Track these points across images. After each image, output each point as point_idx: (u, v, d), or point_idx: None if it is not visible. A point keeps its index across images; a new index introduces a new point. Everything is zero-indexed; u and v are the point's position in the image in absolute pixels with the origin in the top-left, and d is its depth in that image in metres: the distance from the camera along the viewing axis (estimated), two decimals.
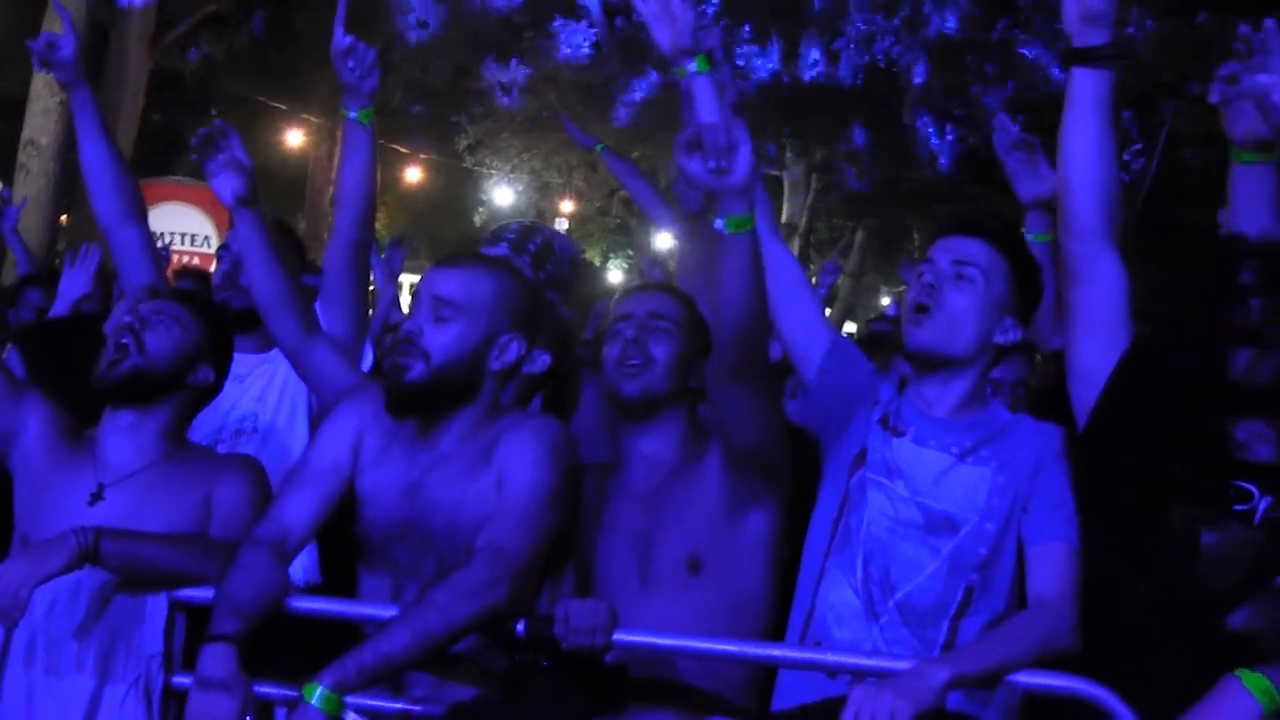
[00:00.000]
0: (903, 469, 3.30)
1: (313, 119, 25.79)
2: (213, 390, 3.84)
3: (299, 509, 3.48)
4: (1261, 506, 2.89)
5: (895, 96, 21.83)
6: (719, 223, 3.18)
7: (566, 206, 30.20)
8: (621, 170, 7.19)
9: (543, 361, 3.75)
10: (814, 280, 11.71)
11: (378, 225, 21.78)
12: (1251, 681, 2.65)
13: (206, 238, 20.28)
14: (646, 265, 8.80)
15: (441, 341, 3.41)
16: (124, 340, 3.65)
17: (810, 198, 26.03)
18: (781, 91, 21.57)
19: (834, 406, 3.48)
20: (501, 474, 3.40)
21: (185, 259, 20.86)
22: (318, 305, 4.52)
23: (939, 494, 3.25)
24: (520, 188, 29.44)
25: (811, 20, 21.79)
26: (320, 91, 24.78)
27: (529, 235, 4.49)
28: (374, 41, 4.48)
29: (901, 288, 28.55)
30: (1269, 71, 3.36)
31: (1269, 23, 3.35)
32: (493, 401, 3.54)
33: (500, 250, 4.46)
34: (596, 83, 22.54)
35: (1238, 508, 2.90)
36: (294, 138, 26.41)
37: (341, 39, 4.34)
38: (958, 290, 3.30)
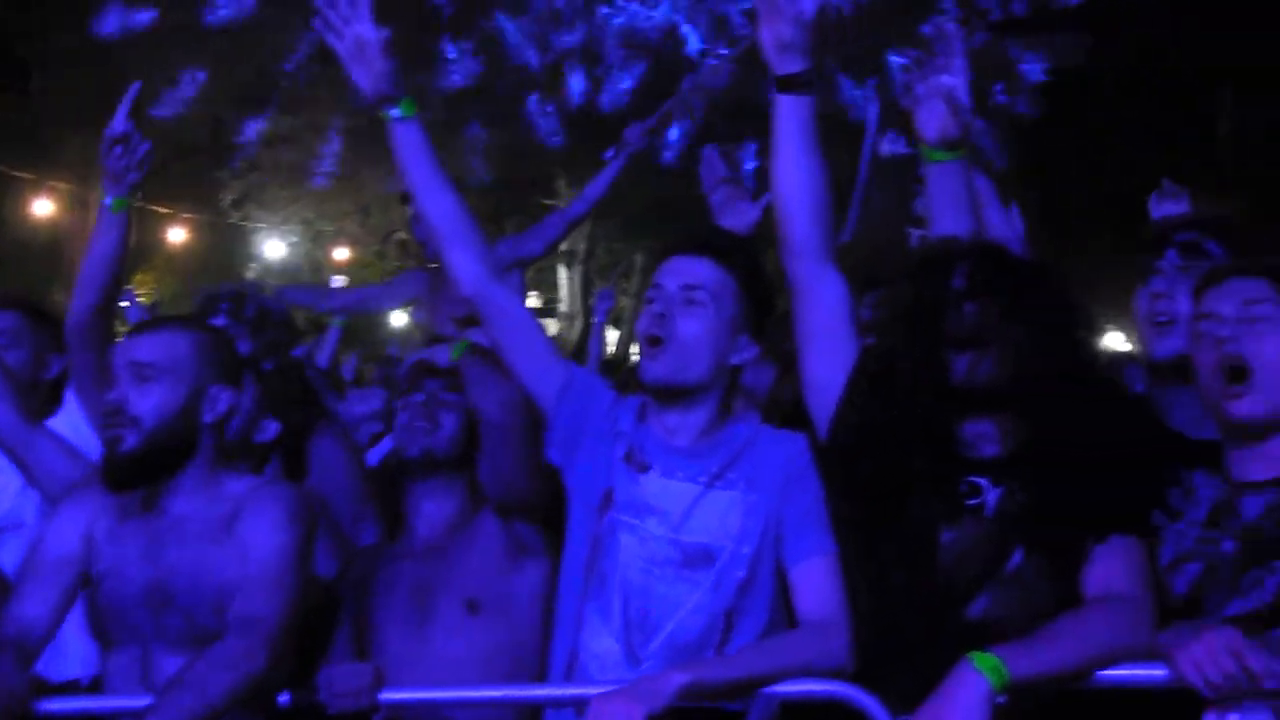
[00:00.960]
0: (653, 506, 3.28)
1: (60, 185, 25.19)
2: None
3: (37, 606, 3.41)
4: (991, 499, 3.02)
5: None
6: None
7: (341, 254, 29.85)
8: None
9: (272, 429, 3.81)
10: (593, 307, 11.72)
11: (148, 289, 21.34)
12: (982, 661, 2.79)
13: None
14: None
15: (149, 404, 3.39)
16: None
17: (589, 224, 25.86)
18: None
19: (575, 443, 3.47)
20: (244, 544, 3.39)
21: None
22: (71, 389, 4.55)
23: (692, 527, 3.23)
24: (293, 239, 29.06)
25: (573, 50, 21.97)
26: (66, 156, 24.22)
27: (244, 302, 4.57)
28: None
29: None
30: (951, 73, 3.56)
31: (948, 25, 3.59)
32: (215, 456, 3.53)
33: (219, 321, 4.50)
34: (364, 128, 22.40)
35: (970, 503, 3.03)
36: (42, 206, 25.87)
37: (120, 123, 4.27)
38: (689, 316, 3.30)
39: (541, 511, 3.84)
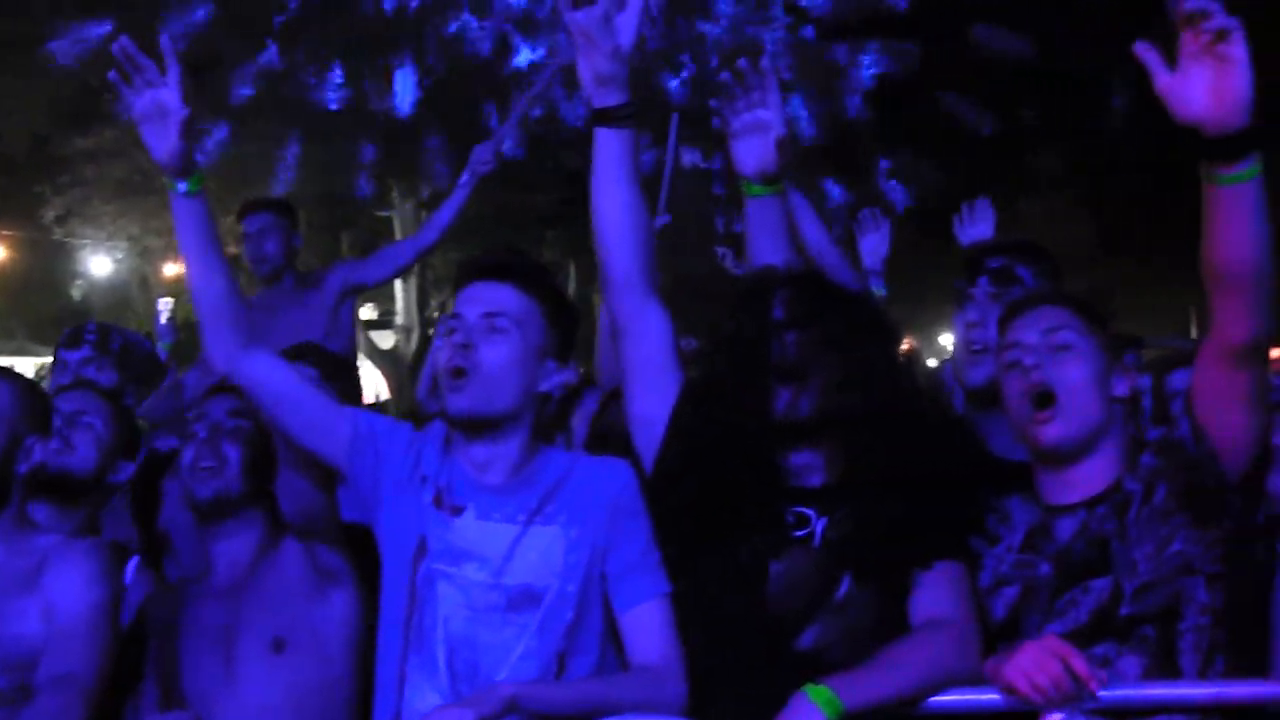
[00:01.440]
0: (470, 550, 3.18)
1: None
2: None
3: None
4: (819, 529, 3.03)
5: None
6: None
7: (171, 270, 29.41)
8: None
9: (127, 470, 3.77)
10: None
11: None
12: (815, 694, 2.79)
13: None
14: None
15: None
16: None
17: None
18: (380, 126, 21.62)
19: (375, 496, 3.35)
20: (50, 600, 3.35)
21: None
22: None
23: (514, 568, 3.15)
24: (119, 255, 28.49)
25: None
26: None
27: (109, 336, 4.56)
28: None
29: None
30: (768, 107, 3.57)
31: (764, 61, 3.55)
32: (18, 513, 3.51)
33: (84, 353, 4.53)
34: None
35: (798, 534, 3.03)
36: None
37: None
38: (492, 345, 3.21)
39: (342, 532, 3.80)
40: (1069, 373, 3.08)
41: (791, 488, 3.09)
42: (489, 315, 3.22)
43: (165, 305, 9.94)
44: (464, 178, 7.40)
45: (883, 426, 3.04)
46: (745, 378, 3.10)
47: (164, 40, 3.55)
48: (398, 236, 25.79)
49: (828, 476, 3.09)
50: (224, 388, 3.75)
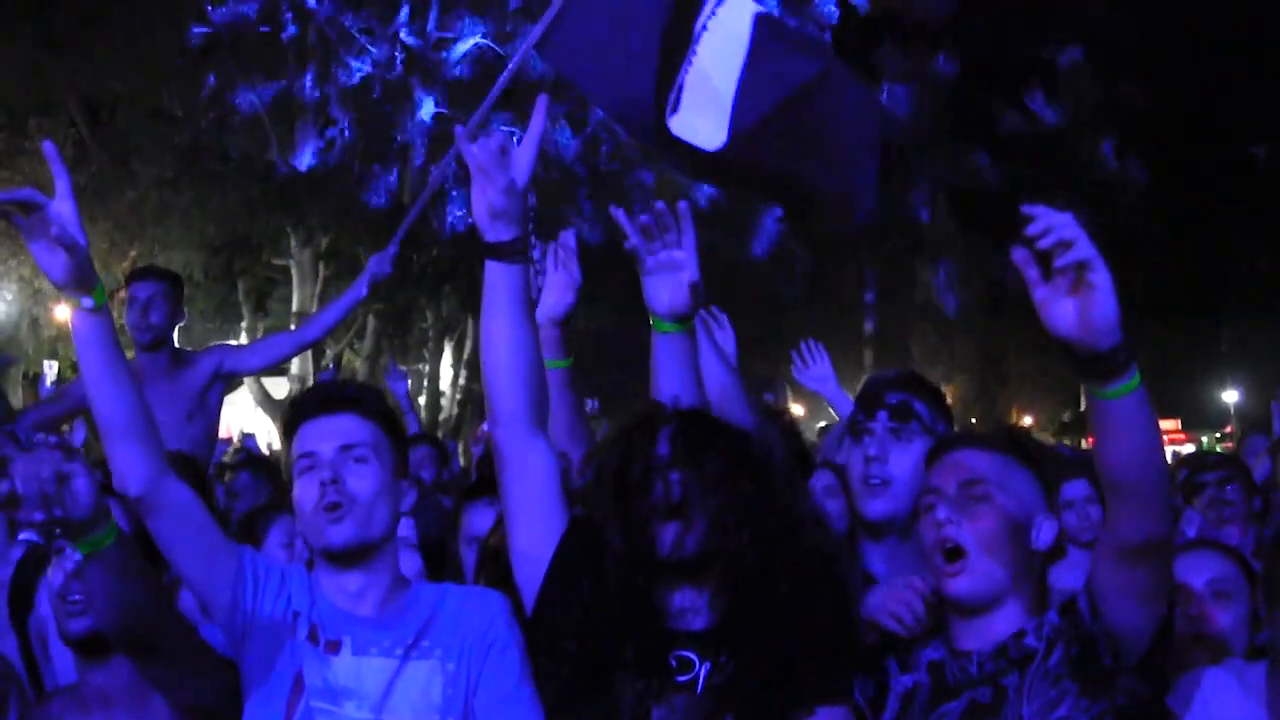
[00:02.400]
0: (350, 688, 3.10)
1: None
2: None
3: None
4: (702, 674, 2.95)
5: (400, 180, 22.15)
6: None
7: (63, 313, 28.98)
8: None
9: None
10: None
11: None
12: None
13: None
14: None
15: None
16: None
17: (319, 285, 26.05)
18: (280, 181, 21.62)
19: (247, 633, 3.19)
20: None
21: None
22: None
23: (393, 704, 3.08)
24: (9, 296, 27.86)
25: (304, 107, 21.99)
26: None
27: None
28: None
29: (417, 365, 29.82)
30: (683, 248, 3.50)
31: (681, 204, 3.50)
32: None
33: None
34: (82, 183, 22.00)
35: (680, 679, 2.95)
36: None
37: None
38: (359, 475, 3.16)
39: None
40: (981, 529, 3.03)
41: (674, 630, 3.02)
42: (346, 448, 3.19)
43: (50, 368, 9.86)
44: (360, 285, 7.33)
45: (765, 568, 2.98)
46: (628, 515, 3.02)
47: (48, 147, 3.24)
48: (294, 285, 26.04)
49: (710, 619, 3.02)
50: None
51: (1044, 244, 2.55)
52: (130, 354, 7.84)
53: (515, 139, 3.24)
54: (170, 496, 3.19)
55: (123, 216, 23.35)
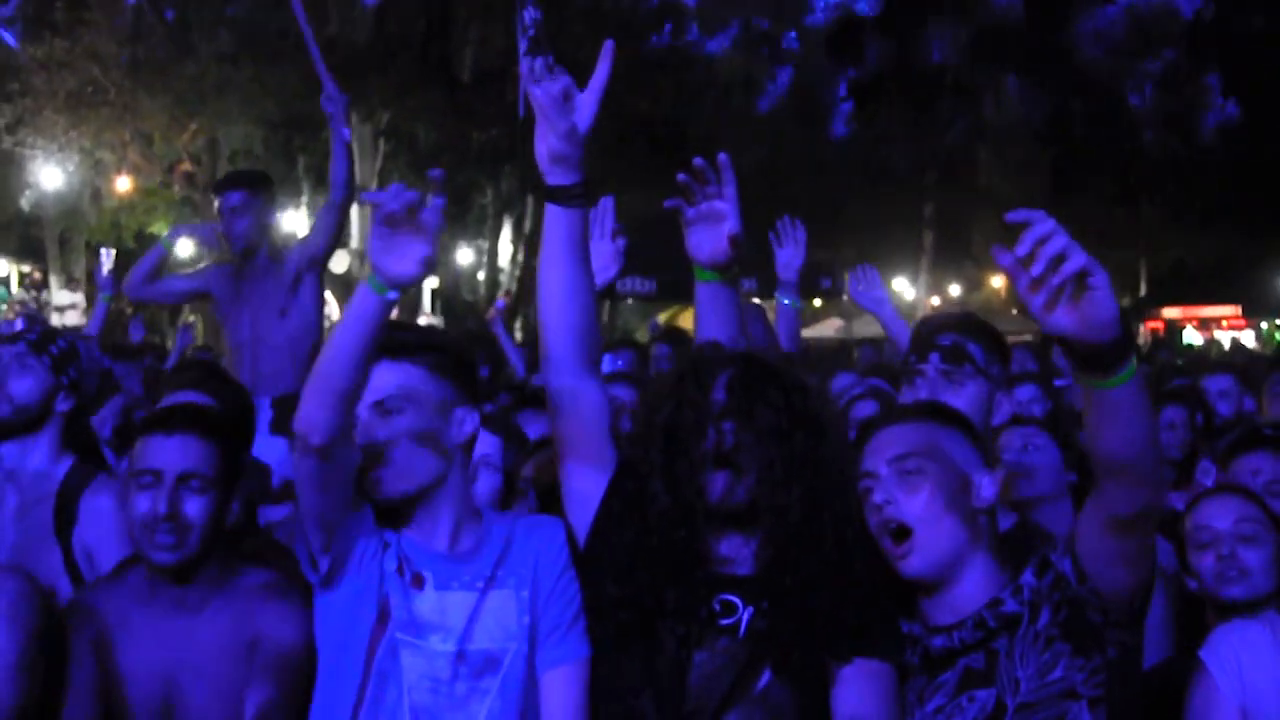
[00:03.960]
0: (434, 622, 3.13)
1: None
2: None
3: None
4: (745, 618, 2.98)
5: (456, 57, 22.17)
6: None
7: (123, 184, 29.44)
8: None
9: None
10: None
11: None
12: None
13: None
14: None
15: None
16: None
17: (379, 161, 26.33)
18: (337, 55, 21.70)
19: (348, 559, 3.22)
20: None
21: None
22: None
23: (475, 634, 3.12)
24: (70, 167, 28.34)
25: None
26: None
27: (51, 339, 4.37)
28: None
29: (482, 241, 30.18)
30: (724, 200, 3.49)
31: (721, 156, 3.53)
32: None
33: (19, 349, 4.38)
34: (142, 58, 22.14)
35: (724, 622, 2.98)
36: None
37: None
38: (390, 428, 3.16)
39: None
40: (920, 503, 3.02)
41: (719, 575, 3.05)
42: (378, 405, 3.18)
43: (107, 256, 9.84)
44: (339, 135, 7.50)
45: (812, 522, 2.99)
46: (678, 461, 3.04)
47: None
48: (356, 160, 26.26)
49: (755, 566, 3.04)
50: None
51: (1037, 269, 2.55)
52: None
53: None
54: (341, 454, 3.19)
55: (183, 91, 23.63)
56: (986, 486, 3.08)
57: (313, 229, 8.75)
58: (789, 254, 6.41)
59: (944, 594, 3.04)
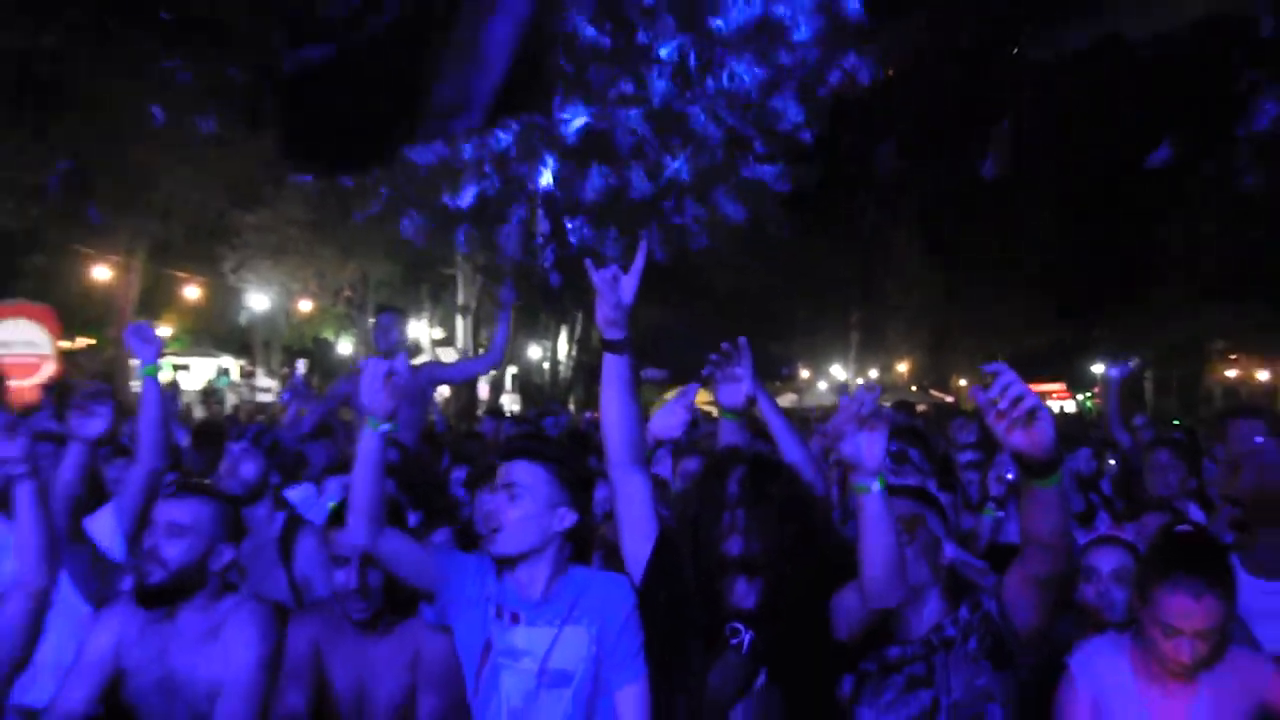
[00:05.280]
0: (524, 649, 3.05)
1: (116, 258, 24.68)
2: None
3: (78, 694, 3.23)
4: (746, 640, 2.93)
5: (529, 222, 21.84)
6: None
7: (305, 305, 29.64)
8: None
9: (228, 554, 3.36)
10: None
11: (170, 330, 20.88)
12: None
13: (39, 343, 19.85)
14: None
15: (175, 553, 3.22)
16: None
17: (478, 287, 26.05)
18: (448, 217, 21.64)
19: (453, 610, 3.18)
20: (227, 650, 3.22)
21: (20, 361, 20.05)
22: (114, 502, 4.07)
23: (554, 656, 3.03)
24: (271, 294, 28.25)
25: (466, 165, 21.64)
26: (119, 236, 23.83)
27: (263, 435, 4.38)
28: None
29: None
30: (743, 367, 3.64)
31: (742, 340, 3.62)
32: (213, 589, 3.30)
33: (244, 444, 4.33)
34: (318, 220, 22.40)
35: (733, 642, 2.93)
36: (101, 272, 25.08)
37: (134, 326, 4.13)
38: (513, 506, 3.08)
39: None
40: (913, 552, 3.02)
41: (731, 609, 2.96)
42: (506, 486, 3.11)
43: (301, 365, 9.70)
44: (504, 319, 7.70)
45: (796, 571, 2.94)
46: (705, 536, 2.99)
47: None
48: (459, 289, 26.15)
49: (756, 602, 2.95)
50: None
51: (1003, 406, 2.56)
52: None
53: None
54: (391, 546, 3.16)
55: (345, 242, 23.74)
56: (949, 550, 3.09)
57: (457, 364, 9.10)
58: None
59: (909, 613, 3.02)
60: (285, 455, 4.60)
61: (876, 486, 2.76)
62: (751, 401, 3.68)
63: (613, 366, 3.13)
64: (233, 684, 3.14)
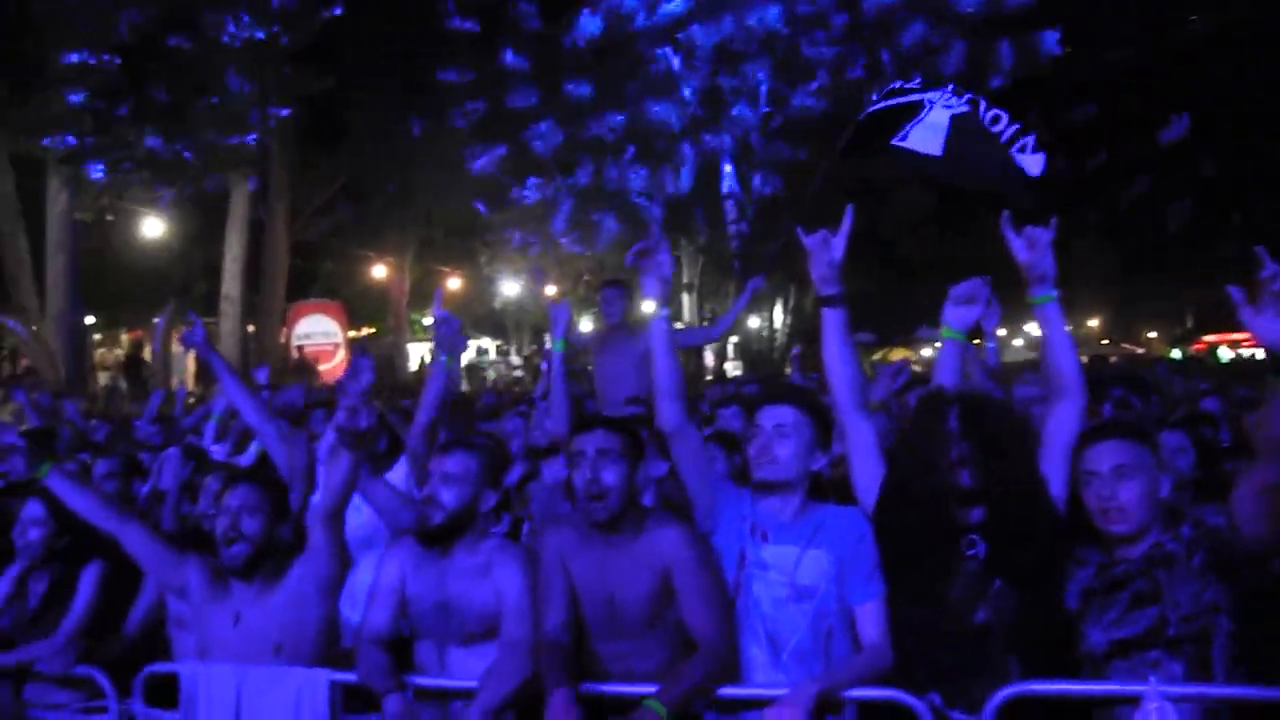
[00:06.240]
0: (772, 564, 3.14)
1: (390, 259, 26.73)
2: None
3: (381, 617, 3.43)
4: (982, 550, 2.97)
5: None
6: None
7: (550, 290, 29.58)
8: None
9: (492, 499, 3.50)
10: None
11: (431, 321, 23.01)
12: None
13: (332, 333, 22.84)
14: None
15: (450, 498, 3.36)
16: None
17: (699, 269, 26.90)
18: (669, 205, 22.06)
19: (716, 522, 3.32)
20: (499, 586, 3.31)
21: (319, 349, 22.78)
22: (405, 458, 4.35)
23: (798, 574, 3.11)
24: (520, 282, 29.60)
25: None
26: (391, 240, 25.87)
27: (489, 445, 4.29)
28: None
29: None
30: (981, 295, 3.57)
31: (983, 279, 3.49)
32: (479, 530, 3.43)
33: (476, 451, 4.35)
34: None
35: (970, 554, 2.97)
36: (378, 271, 27.19)
37: (438, 312, 4.47)
38: (783, 446, 3.17)
39: None
40: (1131, 494, 2.92)
41: (964, 527, 2.98)
42: (777, 426, 3.18)
43: (549, 342, 9.04)
44: (743, 300, 7.65)
45: (1016, 490, 2.98)
46: (932, 466, 3.00)
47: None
48: (684, 269, 26.77)
49: (984, 517, 2.98)
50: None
51: (1275, 287, 2.57)
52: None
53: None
54: (691, 437, 3.35)
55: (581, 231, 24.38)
56: (1165, 486, 2.98)
57: (687, 331, 8.95)
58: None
59: (1131, 542, 2.94)
60: (497, 456, 4.42)
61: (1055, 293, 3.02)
62: (977, 330, 3.54)
63: (831, 321, 3.20)
64: (510, 610, 3.26)
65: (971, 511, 2.94)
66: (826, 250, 3.15)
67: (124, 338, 27.64)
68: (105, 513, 3.72)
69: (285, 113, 19.13)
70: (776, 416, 3.18)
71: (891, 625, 3.06)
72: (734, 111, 20.56)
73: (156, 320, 20.17)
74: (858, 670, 3.03)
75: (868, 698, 2.99)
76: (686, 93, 20.70)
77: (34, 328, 17.78)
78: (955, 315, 3.60)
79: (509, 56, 21.39)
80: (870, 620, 3.09)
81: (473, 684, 3.16)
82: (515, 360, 31.94)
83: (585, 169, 22.00)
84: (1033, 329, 40.48)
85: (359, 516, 4.08)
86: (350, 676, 3.29)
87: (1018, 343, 34.76)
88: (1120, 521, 2.87)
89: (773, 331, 29.21)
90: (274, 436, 4.56)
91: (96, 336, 26.66)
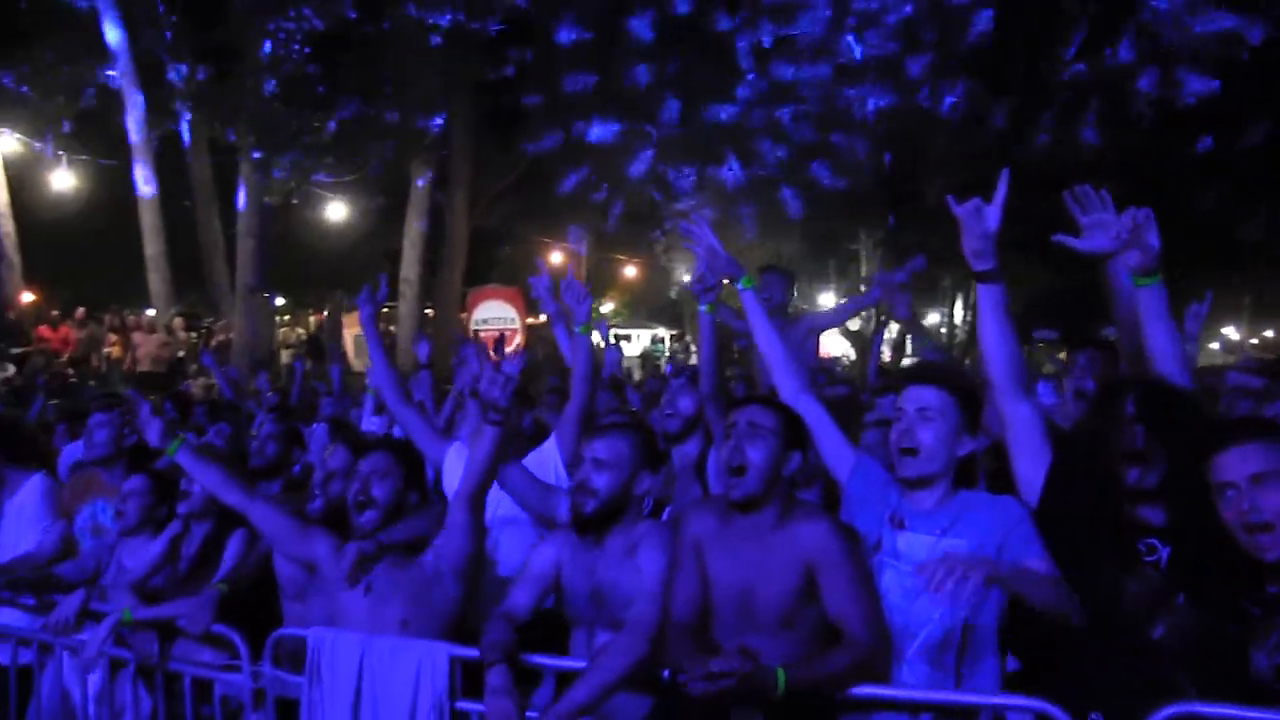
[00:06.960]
0: (906, 553, 3.02)
1: (564, 245, 27.52)
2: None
3: (522, 598, 3.43)
4: (1164, 556, 2.77)
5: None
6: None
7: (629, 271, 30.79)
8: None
9: (647, 481, 3.44)
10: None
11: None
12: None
13: (510, 319, 23.18)
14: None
15: (602, 483, 3.32)
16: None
17: (878, 260, 26.20)
18: (842, 198, 21.84)
19: (861, 506, 3.20)
20: (640, 566, 3.26)
21: (497, 333, 23.34)
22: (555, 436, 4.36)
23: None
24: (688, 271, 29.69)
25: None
26: (563, 226, 26.64)
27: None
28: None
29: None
30: (1151, 234, 3.06)
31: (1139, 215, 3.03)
32: (634, 513, 3.38)
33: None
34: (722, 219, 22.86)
35: (1149, 558, 2.78)
36: (555, 258, 27.91)
37: (544, 281, 4.72)
38: (926, 431, 3.02)
39: None
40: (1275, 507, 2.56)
41: (1142, 526, 2.80)
42: (920, 410, 3.04)
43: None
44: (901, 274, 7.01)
45: (1197, 491, 2.69)
46: (1105, 457, 2.82)
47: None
48: (863, 263, 26.42)
49: (1167, 521, 2.79)
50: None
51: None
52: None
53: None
54: (814, 411, 3.32)
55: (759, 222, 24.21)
56: None
57: (833, 309, 9.09)
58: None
59: None
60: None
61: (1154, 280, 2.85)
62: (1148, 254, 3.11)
63: (986, 297, 3.00)
64: (643, 590, 3.20)
65: (1146, 508, 2.77)
66: (980, 221, 2.95)
67: (310, 319, 28.72)
68: (231, 489, 3.84)
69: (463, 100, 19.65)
70: (920, 398, 3.05)
71: (1048, 631, 2.81)
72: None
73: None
74: (1043, 581, 2.79)
75: (1014, 706, 2.76)
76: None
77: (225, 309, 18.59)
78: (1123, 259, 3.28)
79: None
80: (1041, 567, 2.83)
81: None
82: (694, 349, 31.30)
83: (769, 153, 21.71)
84: (1230, 332, 38.98)
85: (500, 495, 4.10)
86: (472, 652, 3.27)
87: (1213, 345, 32.94)
88: (1273, 548, 2.54)
89: (953, 327, 28.52)
90: (412, 420, 4.67)
91: (285, 317, 27.65)
